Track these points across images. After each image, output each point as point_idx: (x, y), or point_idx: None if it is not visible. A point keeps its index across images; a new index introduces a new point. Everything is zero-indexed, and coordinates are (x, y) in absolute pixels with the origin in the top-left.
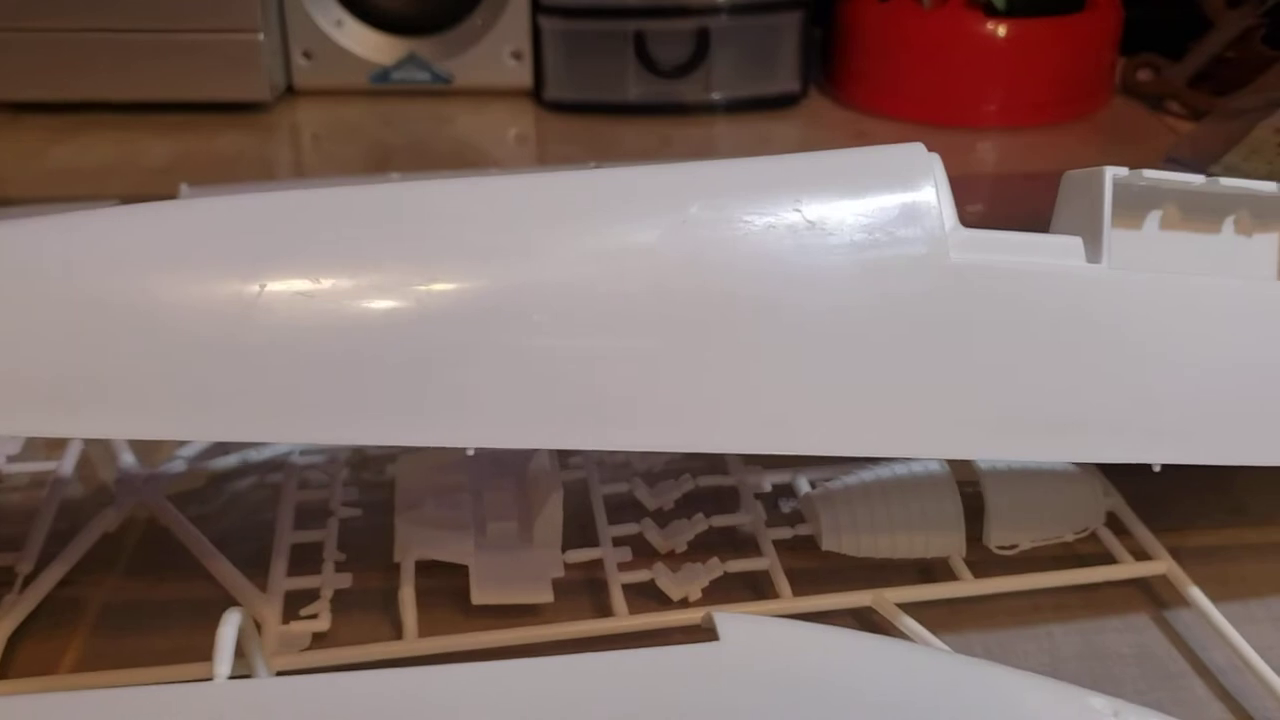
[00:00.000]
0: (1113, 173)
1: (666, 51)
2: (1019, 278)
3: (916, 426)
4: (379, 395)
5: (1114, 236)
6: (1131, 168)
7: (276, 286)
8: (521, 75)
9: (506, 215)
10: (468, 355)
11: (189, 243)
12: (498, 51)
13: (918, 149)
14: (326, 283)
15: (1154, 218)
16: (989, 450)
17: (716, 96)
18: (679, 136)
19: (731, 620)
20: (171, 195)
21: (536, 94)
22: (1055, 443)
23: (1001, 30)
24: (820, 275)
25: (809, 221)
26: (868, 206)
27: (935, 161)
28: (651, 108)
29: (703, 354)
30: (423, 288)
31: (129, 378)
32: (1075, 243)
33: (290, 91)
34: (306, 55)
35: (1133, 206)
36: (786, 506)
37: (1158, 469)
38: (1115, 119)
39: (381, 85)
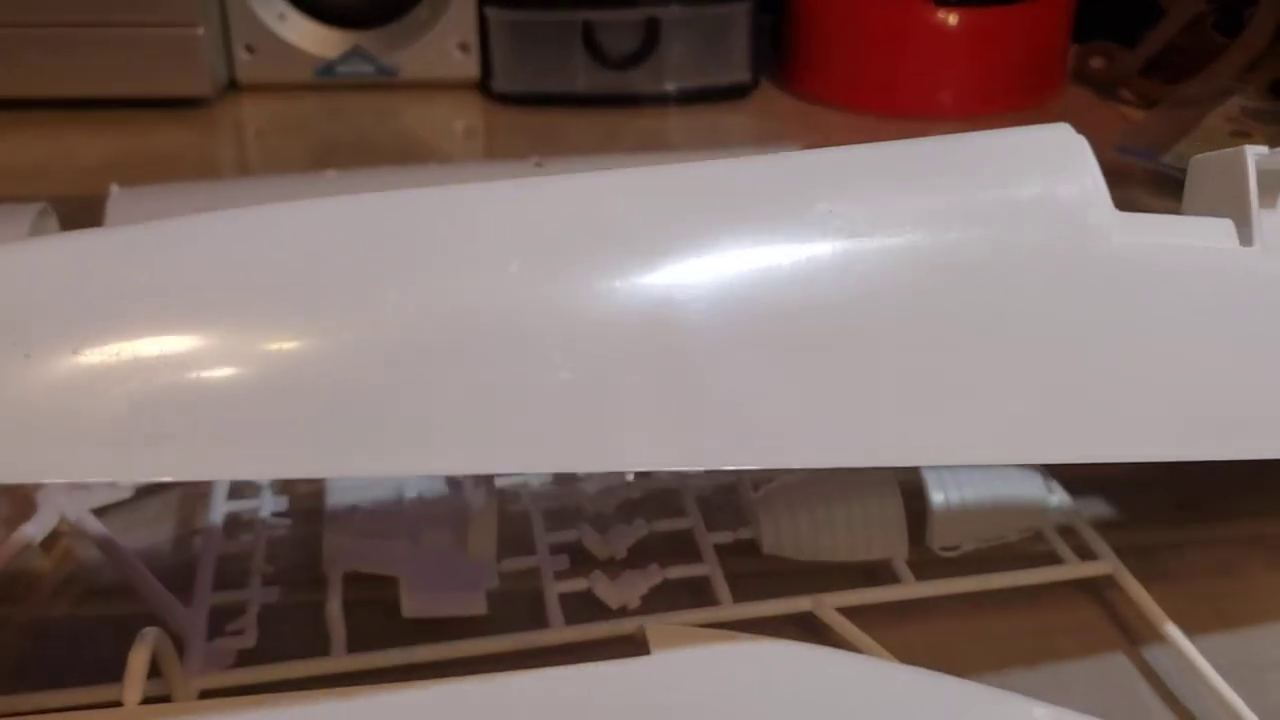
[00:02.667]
0: (1254, 152)
1: (615, 42)
2: (1179, 260)
3: (1085, 424)
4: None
5: (1261, 218)
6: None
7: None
8: (468, 67)
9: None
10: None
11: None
12: (444, 43)
13: (1066, 129)
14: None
15: None
16: (1165, 450)
17: (667, 87)
18: (629, 128)
19: (663, 633)
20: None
21: (484, 86)
22: (1228, 440)
23: (953, 19)
24: (986, 268)
25: (968, 211)
26: (1029, 192)
27: (1085, 142)
28: (601, 99)
29: (867, 363)
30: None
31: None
32: (1227, 225)
33: (233, 86)
34: (249, 49)
35: (1265, 188)
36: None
37: None
38: (1068, 108)
39: (326, 79)
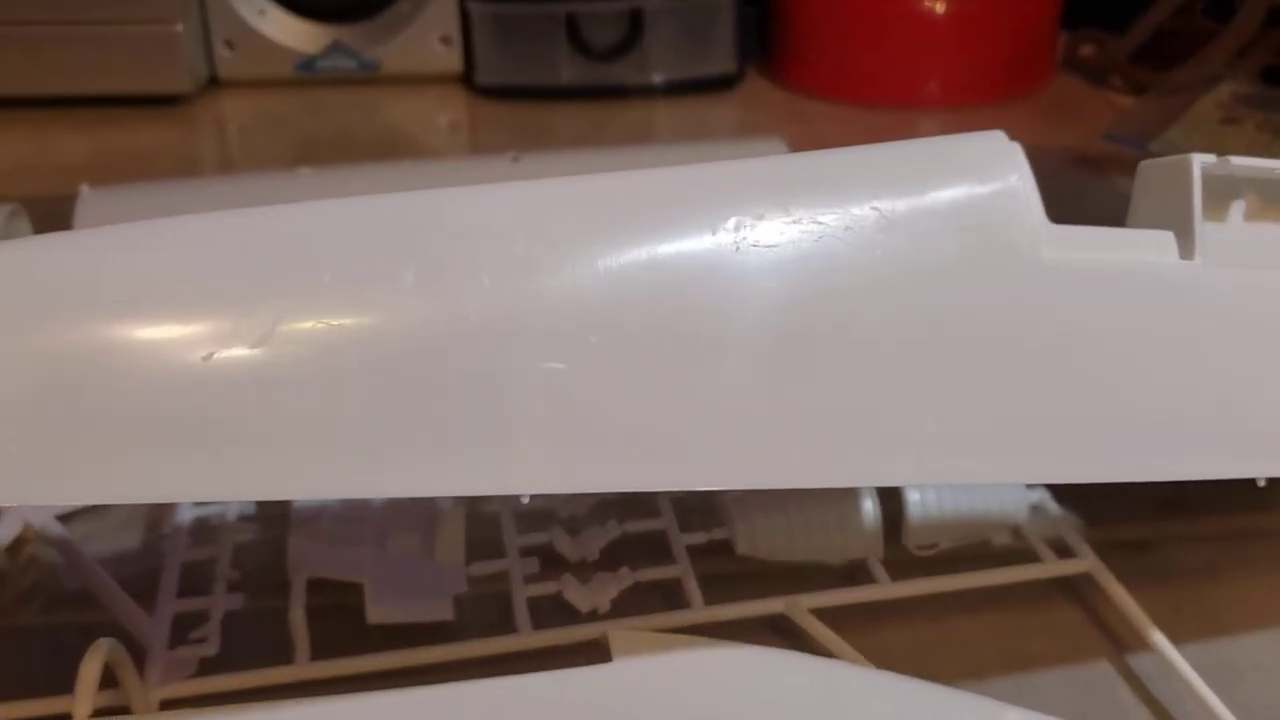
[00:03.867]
0: (1200, 161)
1: (599, 33)
2: (1112, 276)
3: (1015, 445)
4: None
5: (1206, 230)
6: (1073, 145)
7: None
8: (451, 60)
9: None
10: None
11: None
12: (426, 37)
13: (999, 137)
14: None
15: (1238, 208)
16: (1092, 472)
17: (652, 79)
18: (614, 120)
19: (626, 638)
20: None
21: (467, 79)
22: (1158, 459)
23: (940, 7)
24: (907, 280)
25: (889, 221)
26: (954, 201)
27: (1018, 150)
28: (585, 91)
29: (784, 378)
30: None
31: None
32: (1167, 238)
33: (214, 83)
34: (229, 45)
35: (1215, 196)
36: None
37: (1263, 483)
38: (1058, 96)
39: (307, 74)
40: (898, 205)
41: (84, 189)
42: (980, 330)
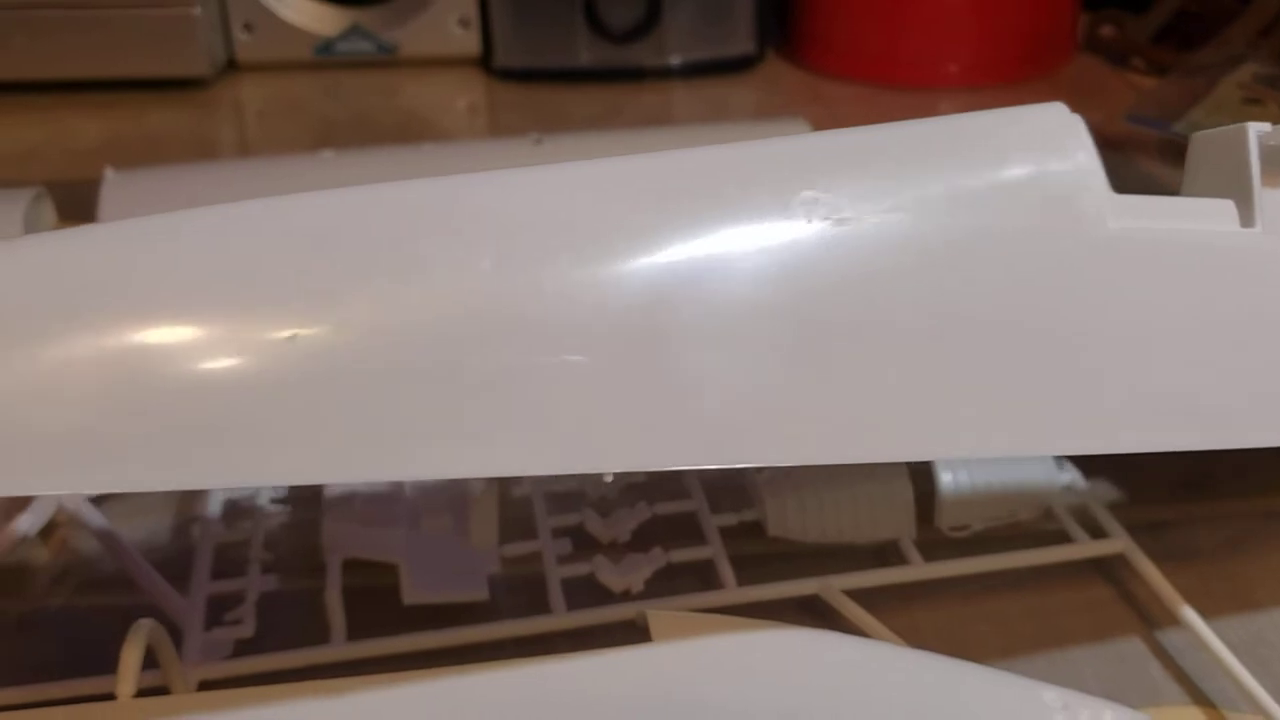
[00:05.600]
0: (1256, 130)
1: (617, 15)
2: (1176, 245)
3: (1082, 415)
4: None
5: (1264, 198)
6: (1095, 125)
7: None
8: (469, 43)
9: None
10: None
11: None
12: (444, 19)
13: (1060, 108)
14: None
15: None
16: (1164, 440)
17: (670, 60)
18: (633, 103)
19: (664, 618)
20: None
21: (485, 62)
22: (1223, 426)
23: None
24: (973, 252)
25: (955, 193)
26: (1021, 173)
27: (1081, 122)
28: (604, 73)
29: (844, 359)
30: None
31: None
32: (1227, 206)
33: (231, 66)
34: (247, 28)
35: (1269, 165)
36: None
37: None
38: (1078, 77)
39: (326, 57)
40: (964, 177)
41: (108, 172)
42: (1048, 301)
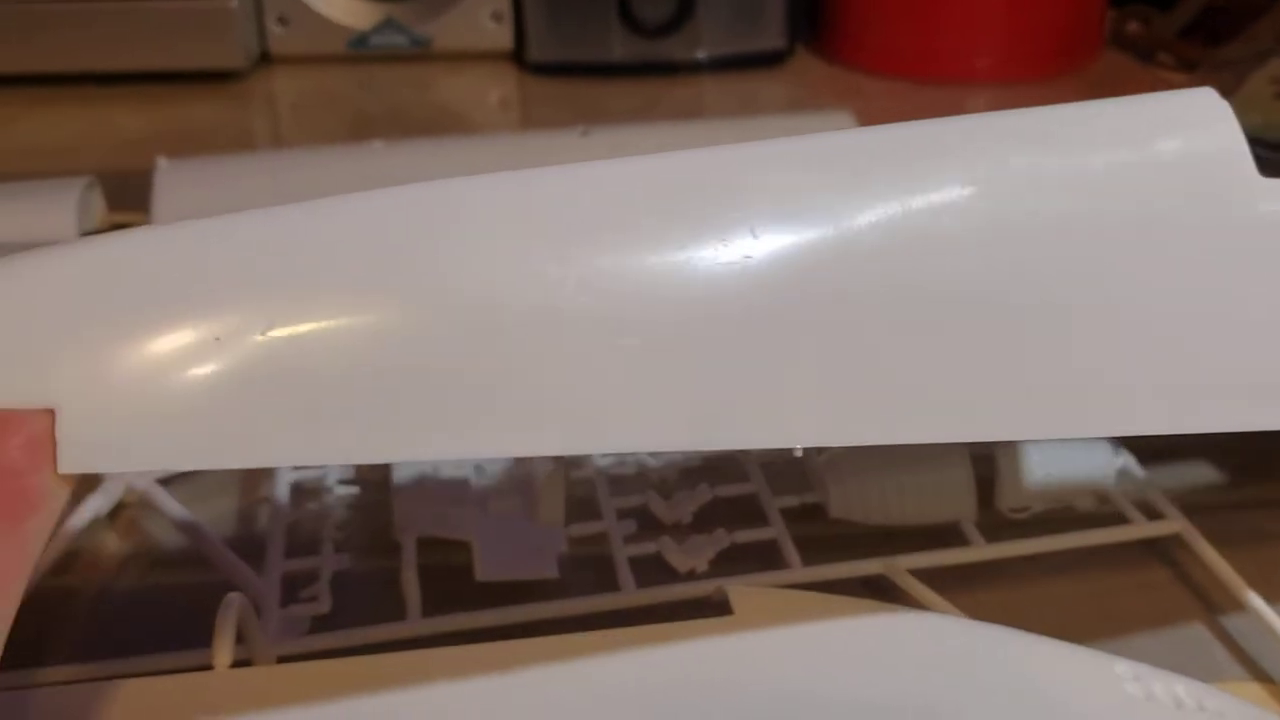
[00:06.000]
0: None
1: (650, 9)
2: None
3: (1229, 392)
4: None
5: None
6: None
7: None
8: (502, 37)
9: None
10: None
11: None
12: (477, 13)
13: (1210, 94)
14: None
15: None
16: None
17: (702, 55)
18: (665, 97)
19: (745, 593)
20: (144, 169)
21: (518, 56)
22: None
23: None
24: (1125, 234)
25: (1106, 177)
26: (1174, 158)
27: (1228, 107)
28: (636, 67)
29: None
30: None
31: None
32: None
33: (265, 59)
34: (281, 21)
35: None
36: None
37: None
38: (1106, 72)
39: (359, 50)
40: (1114, 161)
41: (161, 161)
42: (1196, 283)
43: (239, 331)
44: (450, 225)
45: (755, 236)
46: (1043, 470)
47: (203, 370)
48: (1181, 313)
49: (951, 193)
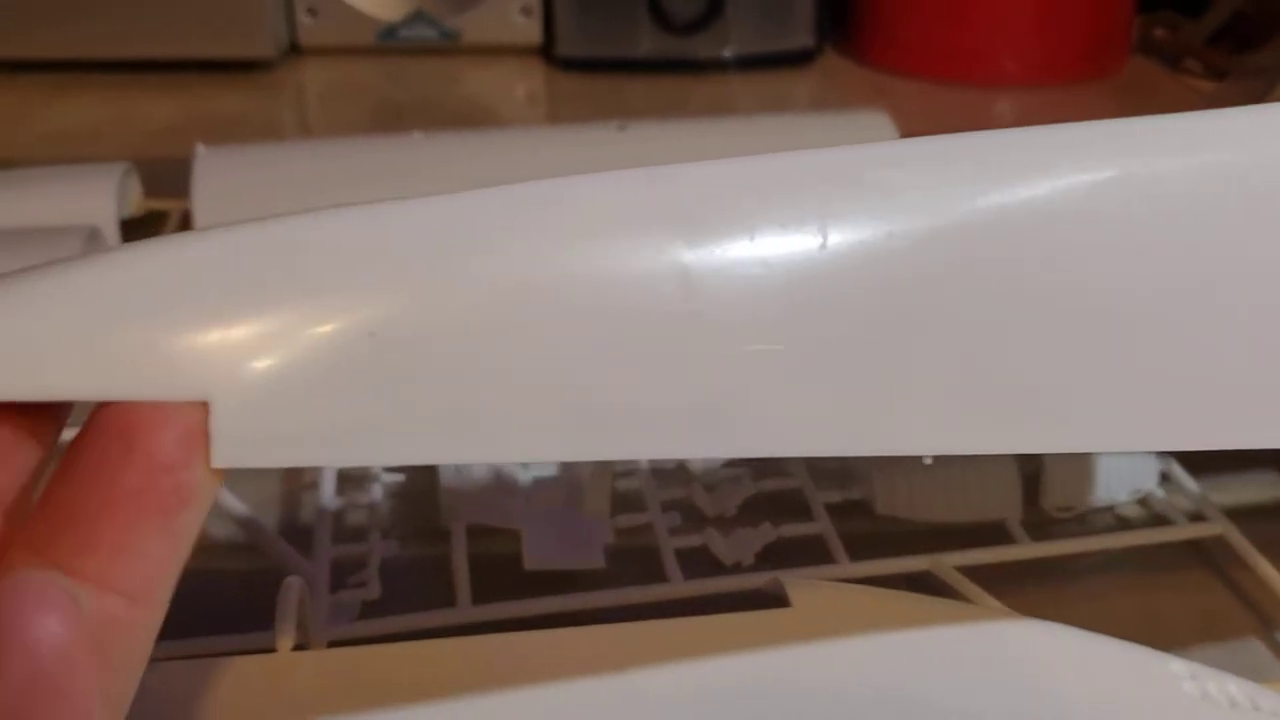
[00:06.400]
0: None
1: (680, 6)
2: None
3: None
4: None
5: None
6: None
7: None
8: (531, 31)
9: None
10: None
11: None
12: (506, 7)
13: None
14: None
15: None
16: None
17: (730, 53)
18: (693, 95)
19: (801, 586)
20: (174, 157)
21: (546, 51)
22: None
23: None
24: (1192, 247)
25: (1198, 187)
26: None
27: None
28: (664, 64)
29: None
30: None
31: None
32: None
33: (295, 50)
34: (311, 12)
35: None
36: None
37: None
38: (1133, 79)
39: (388, 43)
40: (1205, 171)
41: (200, 148)
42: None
43: (393, 326)
44: (565, 225)
45: (845, 237)
46: (1089, 470)
47: (357, 365)
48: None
49: (1060, 202)
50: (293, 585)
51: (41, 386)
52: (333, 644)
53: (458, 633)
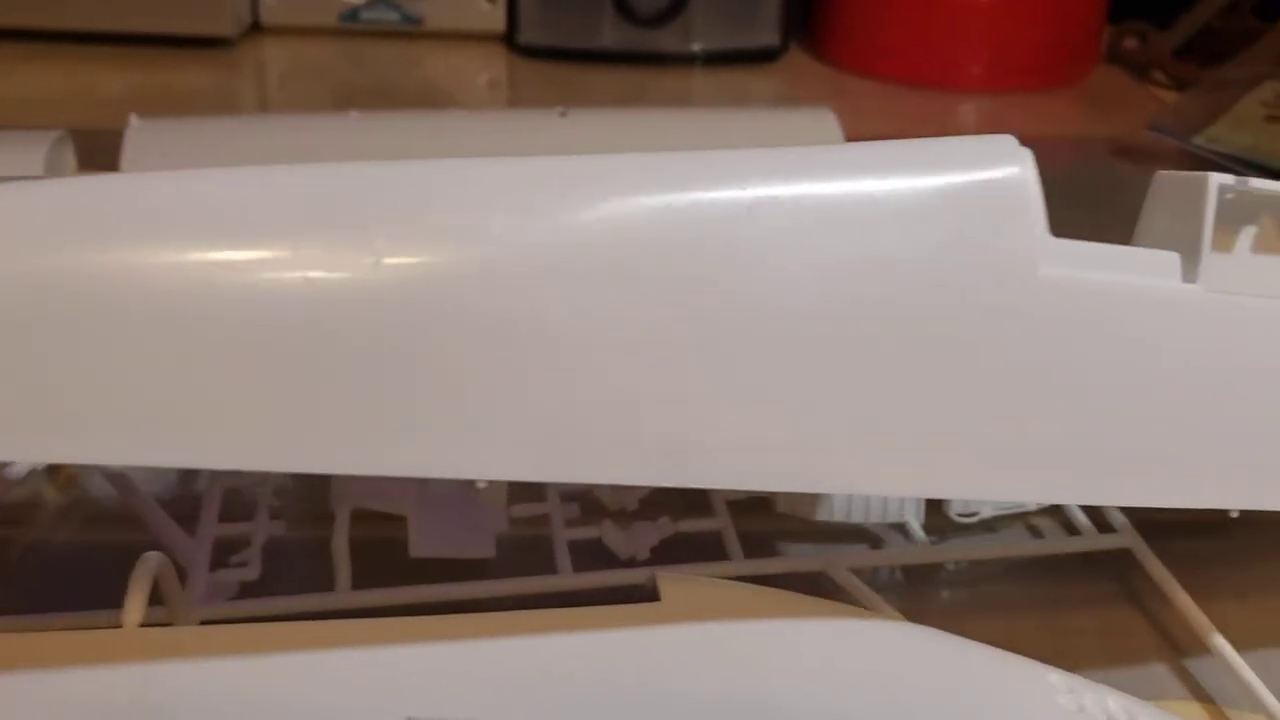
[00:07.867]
0: (1218, 182)
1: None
2: (1110, 297)
3: (991, 461)
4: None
5: (1213, 255)
6: (1116, 135)
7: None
8: (494, 18)
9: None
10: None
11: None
12: None
13: (1010, 141)
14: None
15: (1248, 233)
16: (1091, 494)
17: (694, 47)
18: (654, 87)
19: (675, 581)
20: (122, 129)
21: (509, 38)
22: (1142, 481)
23: None
24: (890, 287)
25: (879, 223)
26: (952, 207)
27: (1029, 158)
28: (627, 56)
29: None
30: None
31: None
32: (1172, 260)
33: (256, 28)
34: None
35: (1229, 218)
36: None
37: (1235, 514)
38: (1100, 87)
39: (350, 24)
40: (899, 210)
41: (133, 119)
42: (967, 344)
43: None
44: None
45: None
46: None
47: None
48: (954, 379)
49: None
50: (149, 560)
51: None
52: (204, 623)
53: (335, 617)
